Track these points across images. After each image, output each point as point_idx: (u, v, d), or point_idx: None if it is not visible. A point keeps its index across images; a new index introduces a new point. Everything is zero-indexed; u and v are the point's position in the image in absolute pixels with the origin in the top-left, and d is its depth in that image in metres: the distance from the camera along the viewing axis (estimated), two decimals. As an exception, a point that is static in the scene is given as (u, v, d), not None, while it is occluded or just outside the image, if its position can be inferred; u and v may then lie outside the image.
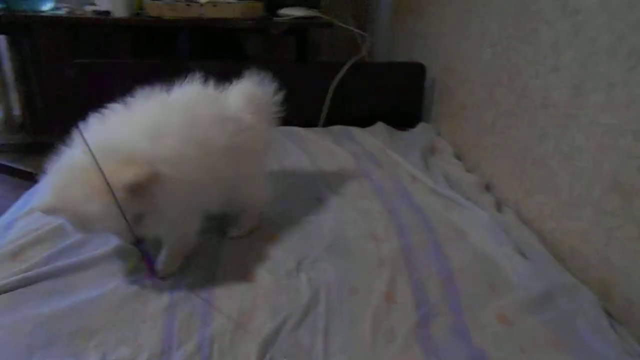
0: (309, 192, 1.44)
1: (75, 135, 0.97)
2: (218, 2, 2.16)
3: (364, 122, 2.01)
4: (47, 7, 2.24)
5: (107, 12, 2.19)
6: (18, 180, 2.84)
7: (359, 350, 0.91)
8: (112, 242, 1.16)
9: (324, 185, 1.48)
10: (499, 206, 1.43)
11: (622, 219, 1.03)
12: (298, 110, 2.03)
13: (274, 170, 1.58)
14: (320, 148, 1.74)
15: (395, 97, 2.07)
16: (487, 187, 1.56)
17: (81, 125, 0.98)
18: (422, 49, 2.15)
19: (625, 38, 1.02)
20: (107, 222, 0.88)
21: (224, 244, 1.19)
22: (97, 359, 0.87)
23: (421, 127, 2.01)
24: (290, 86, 2.04)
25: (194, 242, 1.13)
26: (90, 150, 0.87)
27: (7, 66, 3.11)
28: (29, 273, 1.04)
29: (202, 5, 2.17)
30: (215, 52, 2.38)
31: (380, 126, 1.98)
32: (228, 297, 1.02)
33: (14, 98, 3.22)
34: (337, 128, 1.96)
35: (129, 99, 1.11)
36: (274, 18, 2.30)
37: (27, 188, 1.46)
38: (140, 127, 0.99)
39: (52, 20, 2.14)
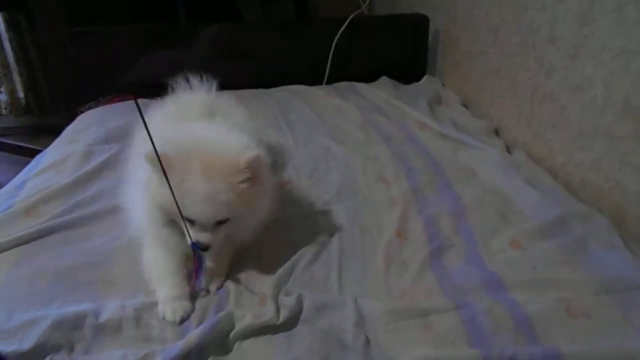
0: (316, 144, 1.44)
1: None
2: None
3: (368, 77, 1.99)
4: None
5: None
6: (27, 160, 2.88)
7: (373, 282, 0.92)
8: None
9: (331, 137, 1.47)
10: (508, 149, 1.42)
11: (634, 143, 1.01)
12: (301, 69, 2.03)
13: (279, 125, 1.57)
14: (326, 103, 1.73)
15: (398, 51, 2.03)
16: (496, 133, 1.54)
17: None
18: (425, 1, 2.10)
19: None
20: (204, 205, 0.82)
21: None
22: (116, 305, 0.88)
23: (426, 79, 1.98)
24: (291, 45, 2.03)
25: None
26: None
27: (8, 48, 3.10)
28: (45, 225, 1.05)
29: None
30: (211, 15, 2.35)
31: (384, 80, 1.96)
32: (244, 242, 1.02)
33: (17, 80, 3.22)
34: (341, 84, 1.94)
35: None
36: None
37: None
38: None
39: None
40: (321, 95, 1.80)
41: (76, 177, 1.23)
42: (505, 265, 0.91)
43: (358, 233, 1.05)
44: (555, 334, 0.76)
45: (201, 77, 1.25)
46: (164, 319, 0.84)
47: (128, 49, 1.92)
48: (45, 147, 1.49)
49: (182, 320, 0.85)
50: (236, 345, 0.80)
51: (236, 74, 1.86)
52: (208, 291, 0.91)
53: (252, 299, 0.90)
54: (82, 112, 1.81)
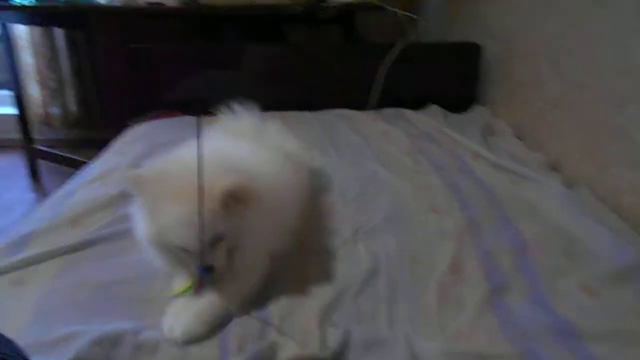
0: (363, 168, 1.39)
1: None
2: (267, -12, 2.16)
3: (416, 105, 1.94)
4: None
5: (159, 3, 2.23)
6: (75, 171, 2.95)
7: (425, 319, 0.85)
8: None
9: (378, 162, 1.43)
10: (569, 184, 1.33)
11: None
12: (347, 94, 2.01)
13: (324, 148, 1.53)
14: (372, 128, 1.69)
15: (448, 79, 1.99)
16: (554, 167, 1.46)
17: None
18: (477, 30, 2.06)
19: None
20: (184, 230, 0.78)
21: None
22: (154, 328, 0.84)
23: (476, 110, 1.92)
24: (338, 69, 2.02)
25: (257, 286, 0.91)
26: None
27: (64, 64, 3.23)
28: (89, 236, 1.04)
29: (251, -9, 2.17)
30: (258, 41, 2.37)
31: (434, 108, 1.91)
32: (284, 267, 0.98)
33: (70, 95, 3.34)
34: (388, 110, 1.90)
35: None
36: (322, 4, 2.27)
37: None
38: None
39: (108, 11, 2.19)
40: (368, 120, 1.77)
41: (122, 189, 1.22)
42: (577, 312, 0.82)
43: (408, 264, 0.99)
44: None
45: (247, 98, 1.25)
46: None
47: (177, 67, 1.95)
48: (92, 159, 1.51)
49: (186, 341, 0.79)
50: (279, 377, 0.75)
51: (282, 96, 1.86)
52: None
53: (295, 327, 0.84)
54: (130, 126, 1.84)
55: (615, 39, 1.23)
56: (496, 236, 1.05)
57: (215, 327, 0.82)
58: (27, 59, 3.15)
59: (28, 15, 2.61)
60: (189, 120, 1.76)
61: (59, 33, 3.08)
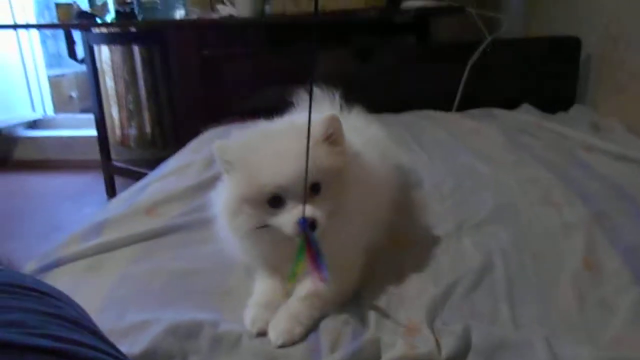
0: (457, 163, 1.24)
1: None
2: (341, -6, 2.10)
3: (504, 107, 1.76)
4: (178, 15, 2.35)
5: (231, 16, 2.24)
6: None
7: (564, 322, 0.68)
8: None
9: (472, 156, 1.27)
10: None
11: None
12: (429, 95, 1.87)
13: (407, 145, 1.40)
14: (461, 126, 1.54)
15: (542, 78, 1.80)
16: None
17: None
18: (568, 22, 1.87)
19: None
20: (285, 167, 0.68)
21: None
22: (233, 321, 0.74)
23: (576, 109, 1.71)
24: (420, 70, 1.89)
25: (354, 284, 0.78)
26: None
27: (141, 86, 3.35)
28: (164, 224, 0.96)
29: (325, -3, 2.12)
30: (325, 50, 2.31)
31: (526, 107, 1.72)
32: (379, 261, 0.85)
33: (146, 116, 3.45)
34: (475, 111, 1.73)
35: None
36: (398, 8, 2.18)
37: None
38: None
39: (183, 25, 2.23)
40: (455, 119, 1.62)
41: (199, 181, 1.16)
42: None
43: (529, 260, 0.82)
44: None
45: (329, 92, 1.15)
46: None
47: (250, 75, 1.92)
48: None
49: (260, 333, 0.69)
50: (382, 381, 0.61)
51: (362, 102, 1.76)
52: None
53: (396, 327, 0.70)
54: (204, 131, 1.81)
55: None
56: (636, 231, 0.86)
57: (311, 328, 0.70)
58: (109, 83, 3.31)
59: (110, 36, 2.73)
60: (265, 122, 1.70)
61: (137, 56, 3.21)
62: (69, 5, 2.37)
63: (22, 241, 2.20)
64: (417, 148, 1.38)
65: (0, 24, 2.96)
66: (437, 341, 0.64)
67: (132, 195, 1.14)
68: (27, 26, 3.34)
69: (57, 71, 3.76)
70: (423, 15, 2.20)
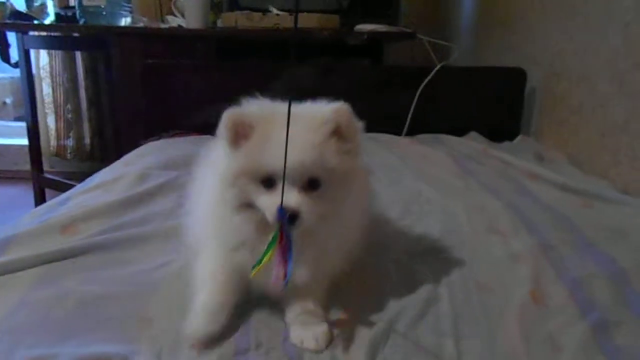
0: (405, 187, 1.21)
1: None
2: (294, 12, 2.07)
3: (452, 134, 1.77)
4: (124, 22, 2.24)
5: (180, 27, 2.16)
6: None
7: (510, 360, 0.64)
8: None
9: (422, 182, 1.24)
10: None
11: None
12: (378, 119, 1.83)
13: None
14: (410, 150, 1.51)
15: (488, 107, 1.82)
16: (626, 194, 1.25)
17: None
18: (515, 55, 1.92)
19: None
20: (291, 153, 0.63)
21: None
22: (151, 354, 0.65)
23: (521, 139, 1.74)
24: (368, 92, 1.87)
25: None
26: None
27: (82, 95, 3.17)
28: (80, 242, 0.85)
29: (278, 14, 2.08)
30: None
31: (473, 135, 1.73)
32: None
33: (86, 127, 3.26)
34: (424, 136, 1.73)
35: None
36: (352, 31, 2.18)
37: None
38: None
39: (128, 32, 2.12)
40: (405, 143, 1.60)
41: (126, 196, 1.05)
42: None
43: (475, 291, 0.78)
44: None
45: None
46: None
47: (199, 88, 1.83)
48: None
49: (206, 342, 0.65)
50: None
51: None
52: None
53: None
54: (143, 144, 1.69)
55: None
56: (583, 262, 0.85)
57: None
58: (45, 89, 3.10)
59: (49, 39, 2.56)
60: (207, 138, 1.61)
61: (79, 63, 3.04)
62: (1, 3, 2.20)
63: None
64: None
65: None
66: (376, 382, 0.58)
67: (49, 209, 1.02)
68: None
69: (-10, 76, 3.51)
70: (375, 38, 2.21)
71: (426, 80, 1.77)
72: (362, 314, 0.72)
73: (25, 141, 2.72)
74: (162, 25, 2.27)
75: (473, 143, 1.58)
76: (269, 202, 0.65)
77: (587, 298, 0.75)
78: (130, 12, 2.21)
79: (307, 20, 2.09)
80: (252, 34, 2.12)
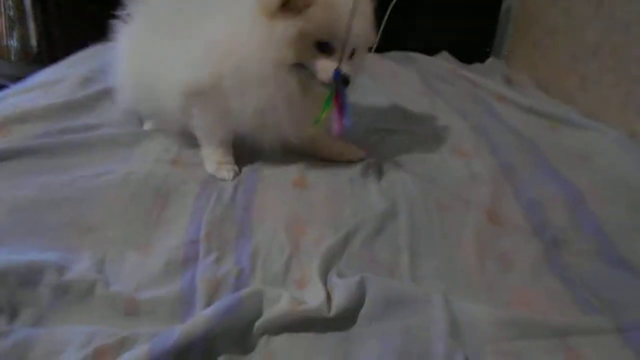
0: (371, 108, 1.16)
1: None
2: None
3: (424, 52, 1.70)
4: None
5: None
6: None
7: (463, 276, 0.64)
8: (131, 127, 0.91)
9: (390, 102, 1.19)
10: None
11: None
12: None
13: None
14: (380, 68, 1.44)
15: (461, 27, 1.74)
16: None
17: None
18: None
19: None
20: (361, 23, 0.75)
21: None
22: (92, 261, 0.61)
23: (491, 62, 1.69)
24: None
25: None
26: None
27: (26, -10, 2.85)
28: (15, 145, 0.78)
29: None
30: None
31: (444, 55, 1.67)
32: (274, 205, 0.76)
33: (32, 27, 2.97)
34: (395, 53, 1.65)
35: None
36: None
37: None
38: None
39: None
40: (372, 60, 1.52)
41: (69, 99, 0.96)
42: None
43: (435, 210, 0.77)
44: None
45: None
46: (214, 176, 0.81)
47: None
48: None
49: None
50: (262, 341, 0.52)
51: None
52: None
53: (286, 276, 0.62)
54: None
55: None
56: (541, 184, 0.84)
57: None
58: (-19, -21, 2.77)
59: None
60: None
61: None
62: None
63: None
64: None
65: None
66: (328, 295, 0.56)
67: (-20, 109, 0.92)
68: None
69: None
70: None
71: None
72: (319, 230, 0.70)
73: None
74: None
75: (444, 62, 1.52)
76: (326, 65, 0.74)
77: (541, 218, 0.75)
78: None
79: None
80: None
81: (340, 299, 0.55)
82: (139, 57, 0.85)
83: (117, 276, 0.60)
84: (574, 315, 0.56)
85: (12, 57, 3.08)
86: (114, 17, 1.62)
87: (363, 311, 0.55)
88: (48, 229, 0.65)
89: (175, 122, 0.85)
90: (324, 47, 0.74)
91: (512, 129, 1.06)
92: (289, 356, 0.51)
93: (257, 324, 0.53)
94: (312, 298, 0.56)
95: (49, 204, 0.69)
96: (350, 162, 0.87)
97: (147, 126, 0.94)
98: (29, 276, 0.55)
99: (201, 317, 0.51)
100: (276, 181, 0.81)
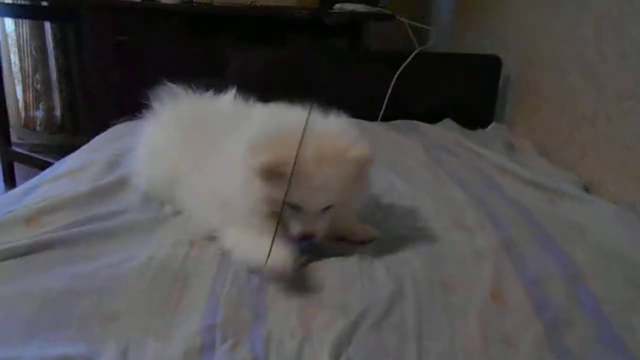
0: (376, 178, 1.21)
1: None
2: (272, -10, 2.02)
3: (427, 119, 1.78)
4: (95, -7, 2.15)
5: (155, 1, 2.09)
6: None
7: (467, 358, 0.66)
8: (152, 211, 0.98)
9: (394, 173, 1.25)
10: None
11: None
12: (354, 104, 1.81)
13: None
14: (384, 138, 1.52)
15: (464, 93, 1.83)
16: (586, 188, 1.29)
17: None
18: (492, 41, 1.93)
19: None
20: (315, 192, 0.80)
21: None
22: (116, 351, 0.65)
23: (494, 127, 1.76)
24: (345, 77, 1.85)
25: None
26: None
27: (52, 65, 3.06)
28: (44, 237, 0.84)
29: (255, -8, 2.03)
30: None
31: (448, 123, 1.75)
32: (286, 289, 0.79)
33: (57, 98, 3.15)
34: (399, 122, 1.73)
35: None
36: (330, 10, 2.14)
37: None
38: None
39: (100, 5, 2.04)
40: (379, 130, 1.60)
41: (94, 186, 1.03)
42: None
43: (439, 290, 0.80)
44: None
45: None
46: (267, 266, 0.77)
47: (174, 64, 1.78)
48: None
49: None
50: None
51: (288, 98, 1.69)
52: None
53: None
54: (112, 125, 1.65)
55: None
56: (541, 260, 0.88)
57: None
58: (12, 59, 2.98)
59: (16, 8, 2.45)
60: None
61: (48, 32, 2.92)
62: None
63: None
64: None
65: None
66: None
67: (14, 199, 1.00)
68: None
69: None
70: (354, 18, 2.18)
71: (403, 66, 1.76)
72: (329, 312, 0.74)
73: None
74: (137, -1, 2.18)
75: (447, 132, 1.59)
76: (294, 224, 0.82)
77: (542, 297, 0.78)
78: (101, -17, 2.12)
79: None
80: (228, 11, 2.06)
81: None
82: (161, 157, 0.96)
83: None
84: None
85: (37, 127, 3.26)
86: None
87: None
88: (76, 319, 0.70)
89: None
90: (295, 207, 0.82)
91: (513, 202, 1.10)
92: None
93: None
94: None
95: (76, 295, 0.74)
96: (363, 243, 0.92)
97: (167, 210, 1.00)
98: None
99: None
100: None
